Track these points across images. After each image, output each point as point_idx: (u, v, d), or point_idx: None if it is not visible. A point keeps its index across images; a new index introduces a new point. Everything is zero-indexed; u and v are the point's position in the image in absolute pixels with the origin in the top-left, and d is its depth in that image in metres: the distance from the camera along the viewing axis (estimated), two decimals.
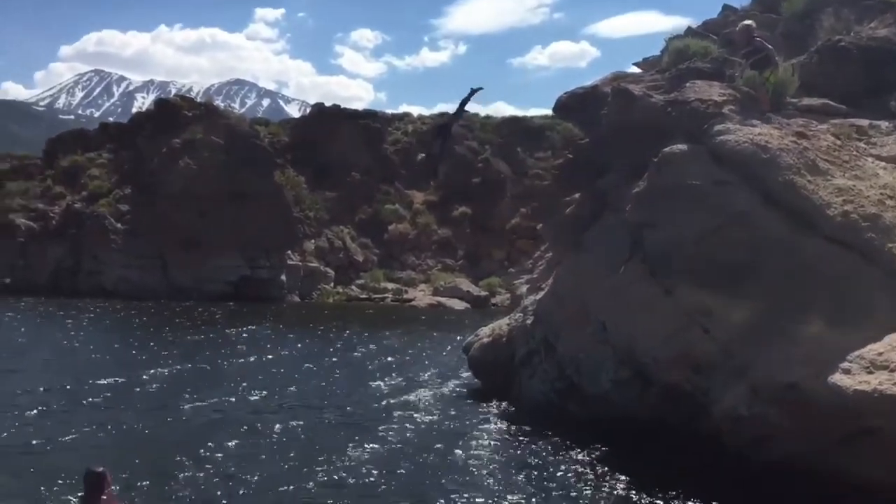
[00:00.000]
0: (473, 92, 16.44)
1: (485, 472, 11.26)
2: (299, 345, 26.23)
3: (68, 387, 17.04)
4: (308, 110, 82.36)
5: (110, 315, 35.58)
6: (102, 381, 17.59)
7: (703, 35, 18.46)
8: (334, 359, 22.42)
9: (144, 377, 18.35)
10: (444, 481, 10.81)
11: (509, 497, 10.12)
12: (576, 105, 17.94)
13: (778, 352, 10.84)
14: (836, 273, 11.01)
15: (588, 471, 11.42)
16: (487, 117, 71.45)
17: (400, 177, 60.52)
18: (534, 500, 10.09)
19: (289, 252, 50.11)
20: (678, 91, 14.23)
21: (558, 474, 11.31)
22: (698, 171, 12.25)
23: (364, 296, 50.55)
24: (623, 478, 10.92)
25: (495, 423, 14.63)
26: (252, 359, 22.31)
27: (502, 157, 60.93)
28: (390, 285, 51.88)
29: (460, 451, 12.35)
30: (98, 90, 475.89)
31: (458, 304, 47.72)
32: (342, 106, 63.34)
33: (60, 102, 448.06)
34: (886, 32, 15.68)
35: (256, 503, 9.61)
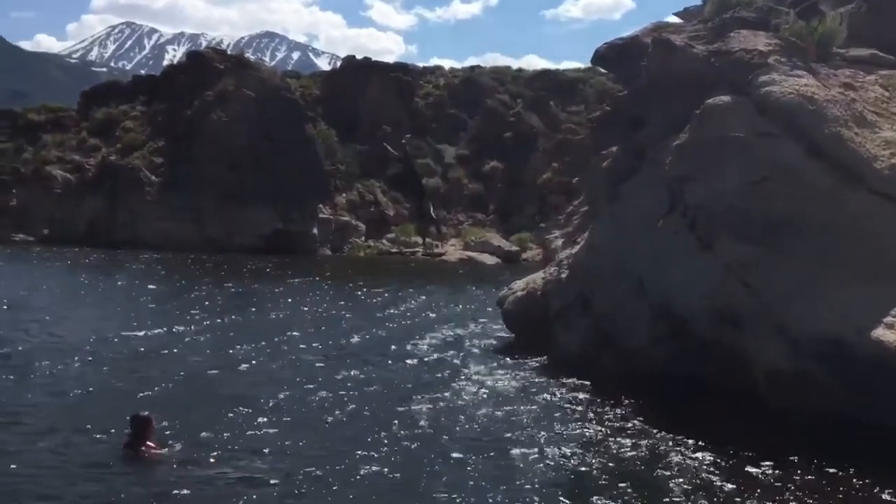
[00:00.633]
0: None
1: (521, 425, 11.31)
2: (337, 299, 26.45)
3: (114, 336, 17.36)
4: (338, 63, 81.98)
5: (148, 266, 36.15)
6: (146, 332, 17.89)
7: None
8: (370, 313, 22.61)
9: (187, 328, 18.62)
10: (481, 433, 10.89)
11: (546, 450, 10.19)
12: (615, 56, 17.62)
13: (819, 306, 10.72)
14: (881, 227, 10.84)
15: (625, 424, 11.44)
16: (519, 70, 70.70)
17: (431, 131, 60.20)
18: (571, 452, 10.15)
19: (320, 206, 50.34)
20: (722, 41, 13.91)
21: (595, 427, 11.36)
22: (742, 122, 12.02)
23: (395, 250, 50.79)
24: (660, 431, 10.92)
25: (530, 377, 14.68)
26: (291, 312, 22.54)
27: (534, 111, 60.35)
28: (421, 240, 52.00)
29: (495, 404, 12.42)
30: (129, 42, 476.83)
31: (488, 259, 47.77)
32: (373, 59, 62.94)
33: (93, 55, 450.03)
34: None
35: (303, 455, 9.72)
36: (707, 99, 12.73)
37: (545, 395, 13.25)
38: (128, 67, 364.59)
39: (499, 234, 52.81)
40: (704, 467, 9.58)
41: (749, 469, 9.55)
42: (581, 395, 13.15)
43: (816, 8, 13.83)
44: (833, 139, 11.32)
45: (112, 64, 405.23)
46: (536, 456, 9.90)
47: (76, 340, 16.53)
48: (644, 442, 10.55)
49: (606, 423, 11.61)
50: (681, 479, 9.18)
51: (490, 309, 21.79)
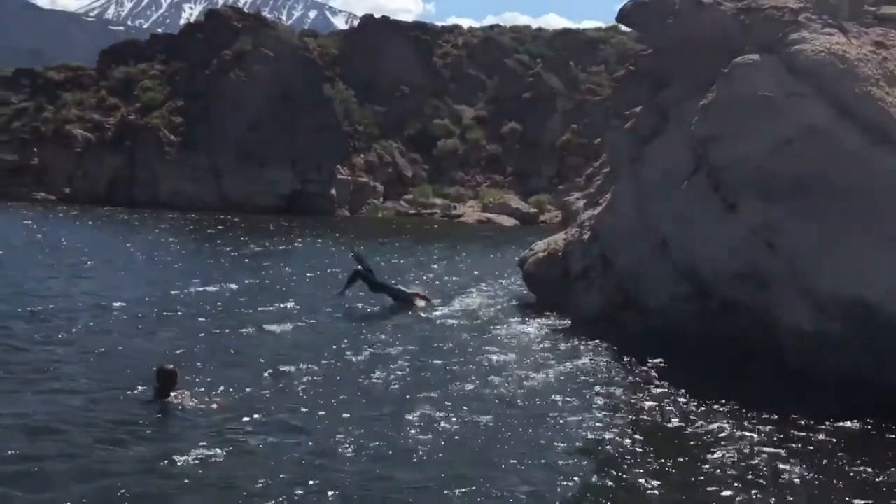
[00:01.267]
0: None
1: (544, 385, 11.37)
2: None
3: (140, 294, 17.50)
4: (355, 22, 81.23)
5: (171, 225, 36.40)
6: (172, 291, 17.95)
7: None
8: (390, 275, 22.60)
9: (211, 288, 18.63)
10: (504, 392, 10.97)
11: (568, 410, 10.26)
12: (640, 14, 17.34)
13: (845, 268, 10.69)
14: None
15: (646, 385, 11.48)
16: (539, 30, 69.72)
17: (449, 91, 59.70)
18: (593, 412, 10.22)
19: (338, 166, 50.28)
20: None
21: (616, 387, 11.42)
22: (771, 81, 11.86)
23: (413, 211, 50.77)
24: (682, 392, 10.96)
25: (551, 337, 14.74)
26: (315, 272, 22.54)
27: (554, 71, 59.60)
28: (439, 201, 51.92)
29: (517, 365, 12.48)
30: (146, 1, 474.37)
31: (506, 221, 47.71)
32: (390, 18, 62.26)
33: (110, 13, 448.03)
34: None
35: (325, 413, 9.82)
36: (735, 58, 12.56)
37: (566, 355, 13.31)
38: (145, 26, 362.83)
39: (517, 195, 52.61)
40: (727, 428, 9.62)
41: (771, 429, 9.59)
42: (602, 355, 13.21)
43: None
44: (864, 99, 11.17)
45: (129, 22, 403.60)
46: (558, 416, 9.97)
47: (102, 299, 16.70)
48: (666, 402, 10.60)
49: (628, 382, 11.68)
50: (703, 440, 9.25)
51: (510, 269, 21.81)
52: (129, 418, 9.26)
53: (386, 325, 15.60)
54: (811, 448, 9.03)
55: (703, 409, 10.33)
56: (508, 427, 9.49)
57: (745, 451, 8.87)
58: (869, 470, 8.39)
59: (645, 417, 10.09)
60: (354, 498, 7.43)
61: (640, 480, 8.06)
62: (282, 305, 16.84)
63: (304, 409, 9.79)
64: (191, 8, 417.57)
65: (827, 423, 9.72)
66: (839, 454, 8.83)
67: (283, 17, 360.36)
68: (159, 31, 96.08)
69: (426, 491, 7.63)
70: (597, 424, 9.75)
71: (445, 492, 7.59)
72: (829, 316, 10.64)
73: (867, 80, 11.32)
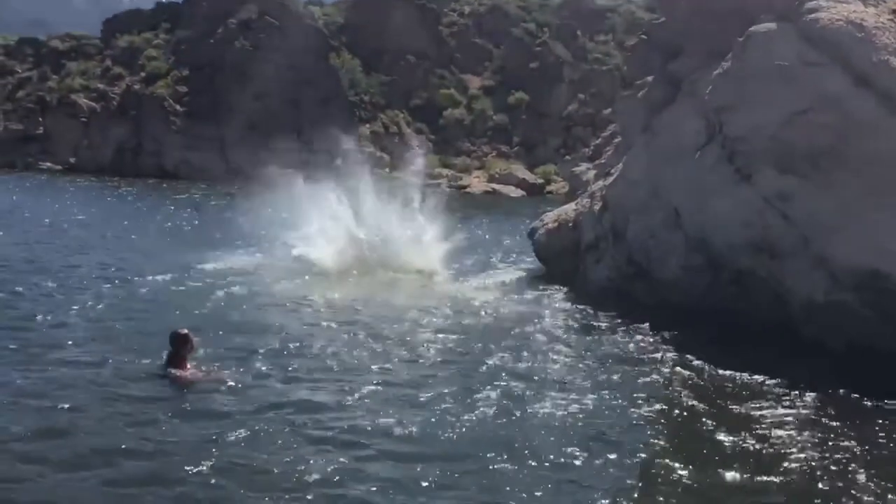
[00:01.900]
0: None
1: (555, 355, 11.34)
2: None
3: (155, 264, 17.31)
4: None
5: (179, 195, 36.32)
6: (186, 261, 17.68)
7: None
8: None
9: (227, 257, 18.44)
10: (516, 363, 10.92)
11: (578, 382, 10.27)
12: None
13: (860, 238, 10.64)
14: None
15: (656, 355, 11.46)
16: None
17: (455, 61, 59.30)
18: (604, 384, 10.21)
19: (344, 136, 50.05)
20: None
21: (626, 358, 11.41)
22: (787, 50, 11.73)
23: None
24: (693, 363, 10.94)
25: (561, 307, 14.72)
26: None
27: (561, 40, 59.12)
28: (445, 171, 51.78)
29: (527, 336, 12.46)
30: None
31: (513, 192, 47.63)
32: None
33: None
34: None
35: (337, 380, 9.83)
36: (751, 27, 12.41)
37: (576, 325, 13.30)
38: None
39: (523, 166, 52.45)
40: (739, 399, 9.63)
41: (783, 400, 9.59)
42: (612, 326, 13.18)
43: None
44: (881, 67, 11.04)
45: None
46: (568, 387, 9.90)
47: (116, 269, 16.64)
48: (677, 373, 10.59)
49: (638, 353, 11.66)
50: (715, 412, 9.23)
51: (519, 239, 21.76)
52: (139, 387, 9.11)
53: (394, 293, 15.54)
54: (824, 420, 9.02)
55: (712, 380, 10.33)
56: (509, 398, 9.31)
57: (754, 423, 8.87)
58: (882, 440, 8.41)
59: (652, 389, 10.03)
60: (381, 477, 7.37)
61: (656, 456, 8.07)
62: (296, 280, 16.56)
63: (319, 386, 9.65)
64: None
65: (838, 394, 9.72)
66: (848, 426, 8.81)
67: None
68: None
69: (448, 466, 7.57)
70: (601, 395, 9.59)
71: (466, 470, 7.52)
72: (843, 286, 10.61)
73: (885, 49, 11.18)
